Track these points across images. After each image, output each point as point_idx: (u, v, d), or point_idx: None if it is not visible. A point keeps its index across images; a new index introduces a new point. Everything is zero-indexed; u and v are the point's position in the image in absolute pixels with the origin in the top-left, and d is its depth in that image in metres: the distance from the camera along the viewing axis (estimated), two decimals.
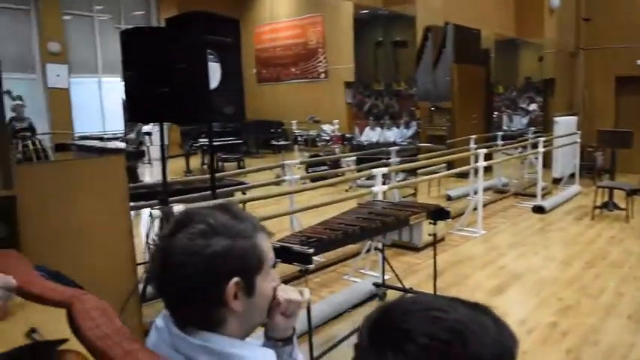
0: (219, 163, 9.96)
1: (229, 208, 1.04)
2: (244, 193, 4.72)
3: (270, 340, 1.17)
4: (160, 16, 11.67)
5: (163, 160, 3.72)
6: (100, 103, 10.15)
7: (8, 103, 3.55)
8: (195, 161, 10.58)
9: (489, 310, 0.73)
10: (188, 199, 4.09)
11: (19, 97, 6.45)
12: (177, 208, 3.02)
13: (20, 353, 0.92)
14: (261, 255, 1.03)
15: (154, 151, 8.24)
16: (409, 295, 1.12)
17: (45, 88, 9.39)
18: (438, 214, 3.72)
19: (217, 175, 4.45)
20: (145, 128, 8.08)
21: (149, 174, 8.32)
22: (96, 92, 10.28)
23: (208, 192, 3.84)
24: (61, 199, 2.98)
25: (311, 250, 2.59)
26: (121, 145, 3.82)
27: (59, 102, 9.44)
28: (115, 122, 9.45)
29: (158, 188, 4.23)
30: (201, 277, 0.95)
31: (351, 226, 3.06)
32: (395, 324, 0.69)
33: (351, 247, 4.54)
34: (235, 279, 0.98)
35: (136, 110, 3.39)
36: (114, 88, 10.55)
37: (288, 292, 1.14)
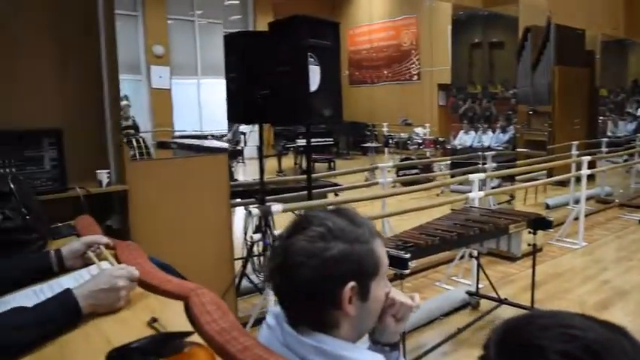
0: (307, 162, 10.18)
1: (347, 213, 1.05)
2: (337, 195, 4.76)
3: (377, 345, 1.18)
4: (256, 21, 12.01)
5: (261, 160, 3.83)
6: (198, 103, 10.55)
7: None
8: (286, 161, 10.80)
9: (626, 332, 0.70)
10: (284, 199, 4.19)
11: (126, 97, 6.88)
12: (276, 207, 3.09)
13: (151, 344, 0.98)
14: (377, 260, 1.04)
15: (248, 151, 8.51)
16: (535, 310, 1.08)
17: (149, 88, 9.93)
18: (538, 223, 3.57)
19: (312, 175, 4.53)
20: (242, 128, 8.36)
21: (242, 172, 8.60)
22: (195, 93, 10.71)
23: (303, 192, 3.91)
24: (167, 194, 3.16)
25: (408, 255, 2.57)
26: (224, 144, 3.96)
27: (161, 102, 9.93)
28: (212, 122, 9.82)
29: (254, 187, 4.37)
30: (318, 280, 0.98)
31: (448, 232, 3.01)
32: (527, 339, 0.67)
33: (444, 253, 4.45)
34: (351, 283, 0.99)
35: (236, 111, 3.52)
36: (212, 89, 10.95)
37: (400, 296, 1.15)
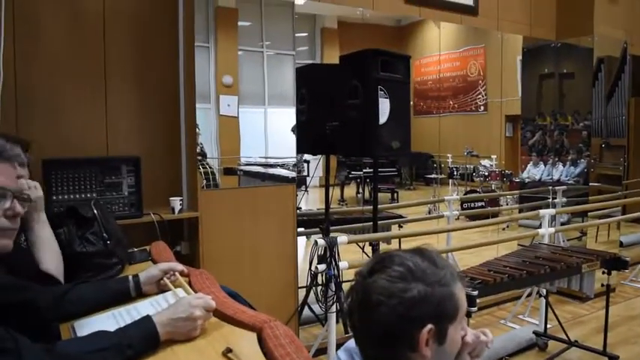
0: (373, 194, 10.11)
1: (429, 254, 1.05)
2: (401, 227, 4.72)
3: None
4: (323, 52, 12.23)
5: (327, 191, 3.87)
6: (264, 131, 10.79)
7: None
8: (348, 190, 10.79)
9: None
10: (348, 229, 4.20)
11: (197, 125, 7.14)
12: (342, 239, 3.10)
13: None
14: (457, 304, 1.03)
15: (311, 180, 8.60)
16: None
17: (217, 116, 10.26)
18: (613, 263, 3.42)
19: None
20: (306, 157, 8.46)
21: (305, 201, 8.67)
22: (261, 121, 10.96)
23: (367, 223, 3.90)
24: (235, 222, 3.23)
25: (475, 293, 2.52)
26: (292, 173, 4.02)
27: (229, 129, 10.22)
28: (278, 150, 10.02)
29: (318, 217, 4.40)
30: (396, 320, 0.98)
31: (517, 269, 2.92)
32: None
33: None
34: (429, 326, 0.99)
35: (305, 141, 3.58)
36: (278, 119, 11.17)
37: (474, 333, 1.13)
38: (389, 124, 3.10)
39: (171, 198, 3.03)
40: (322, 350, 3.50)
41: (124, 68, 3.10)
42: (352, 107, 3.11)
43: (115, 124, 3.08)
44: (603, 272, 3.41)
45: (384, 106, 3.06)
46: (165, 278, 1.71)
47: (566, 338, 3.78)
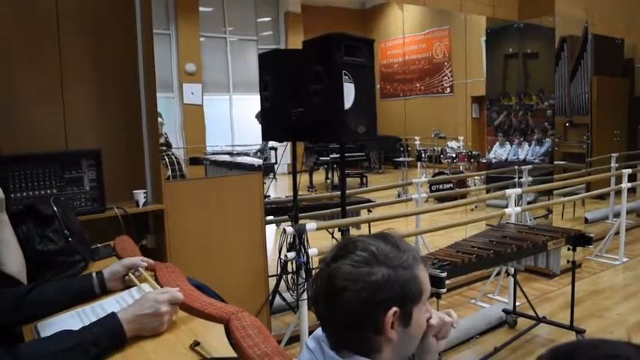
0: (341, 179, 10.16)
1: (391, 238, 1.07)
2: (370, 211, 4.76)
3: None
4: (287, 37, 12.15)
5: (294, 178, 3.86)
6: (230, 119, 10.76)
7: None
8: (317, 176, 10.82)
9: None
10: (317, 216, 4.21)
11: (160, 115, 7.06)
12: (310, 225, 3.11)
13: None
14: (421, 286, 1.05)
15: (279, 167, 8.59)
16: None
17: (181, 105, 10.16)
18: (578, 239, 3.52)
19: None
20: (272, 144, 8.44)
21: (274, 189, 8.66)
22: (226, 109, 10.92)
23: (337, 209, 3.92)
24: (202, 213, 3.21)
25: (444, 274, 2.56)
26: (258, 161, 4.01)
27: (193, 118, 10.14)
28: (244, 138, 10.00)
29: (287, 204, 4.40)
30: (361, 304, 0.99)
31: (484, 250, 2.98)
32: None
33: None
34: (394, 308, 1.01)
35: (271, 129, 3.57)
36: (244, 106, 11.15)
37: (439, 315, 1.15)
38: (354, 109, 3.11)
39: (134, 191, 3.00)
40: (295, 338, 3.53)
41: (81, 59, 3.04)
42: (317, 93, 3.11)
43: (73, 117, 3.02)
44: (569, 249, 3.50)
45: (349, 91, 3.07)
46: (130, 274, 1.70)
47: (535, 315, 3.88)
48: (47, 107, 2.95)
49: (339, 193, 3.91)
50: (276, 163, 9.77)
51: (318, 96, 3.12)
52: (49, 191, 2.69)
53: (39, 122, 2.90)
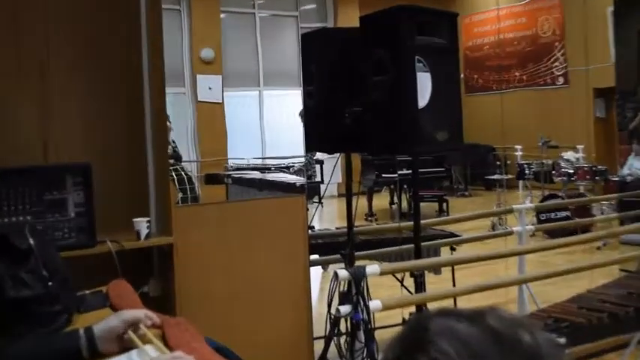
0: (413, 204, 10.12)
1: (496, 325, 0.83)
2: (454, 249, 4.70)
3: None
4: (337, 12, 12.28)
5: (349, 202, 3.86)
6: (259, 122, 10.79)
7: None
8: (379, 200, 10.84)
9: None
10: (380, 255, 4.19)
11: (167, 117, 7.18)
12: (371, 268, 3.09)
13: None
14: None
15: (327, 187, 8.64)
16: None
17: (194, 103, 10.28)
18: None
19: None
20: (318, 155, 8.49)
21: (318, 218, 8.68)
22: (255, 109, 10.98)
23: (408, 245, 3.89)
24: (224, 250, 3.24)
25: (563, 340, 2.51)
26: (300, 179, 4.05)
27: (211, 121, 10.23)
28: (279, 147, 10.02)
29: (338, 238, 4.40)
30: None
31: (620, 306, 2.91)
32: None
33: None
34: None
35: (316, 135, 3.59)
36: (278, 104, 11.20)
37: None
38: (432, 108, 3.08)
39: (134, 219, 3.05)
40: None
41: (68, 44, 3.14)
42: (380, 86, 3.10)
43: (55, 121, 3.10)
44: None
45: (425, 84, 3.05)
46: (129, 332, 1.71)
47: None
48: (21, 107, 3.04)
49: (410, 223, 3.87)
50: (322, 182, 9.82)
51: (382, 90, 3.12)
52: (22, 218, 2.76)
53: (10, 127, 2.99)
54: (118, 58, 3.28)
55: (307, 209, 3.66)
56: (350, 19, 10.73)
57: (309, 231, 4.01)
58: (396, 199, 10.70)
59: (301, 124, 5.01)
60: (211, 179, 6.82)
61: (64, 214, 2.87)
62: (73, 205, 2.89)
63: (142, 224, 3.06)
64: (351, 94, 3.36)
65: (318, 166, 9.48)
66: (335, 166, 4.13)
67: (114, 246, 2.91)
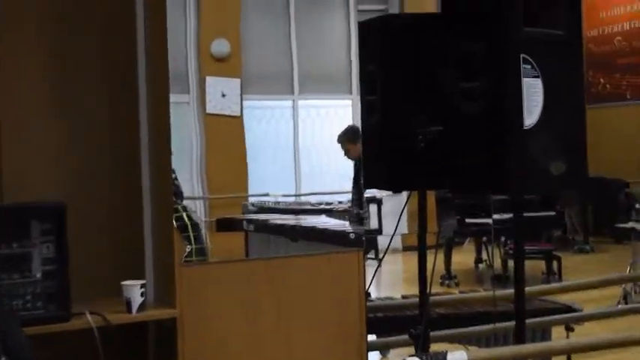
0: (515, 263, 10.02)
1: None
2: (571, 329, 4.67)
3: None
4: None
5: (422, 259, 3.87)
6: (293, 144, 10.51)
7: None
8: (461, 256, 10.77)
9: None
10: (464, 336, 4.19)
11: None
12: (456, 356, 3.10)
13: None
14: None
15: (386, 238, 8.54)
16: None
17: (200, 115, 10.13)
18: None
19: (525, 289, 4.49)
20: (371, 191, 8.44)
21: (376, 282, 8.61)
22: (287, 125, 10.76)
23: (505, 324, 3.89)
24: (245, 327, 3.26)
25: None
26: (355, 229, 4.06)
27: (224, 142, 10.04)
28: (319, 179, 9.88)
29: (403, 312, 4.41)
30: None
31: None
32: None
33: None
34: None
35: (379, 165, 3.61)
36: (319, 119, 10.99)
37: None
38: (543, 128, 3.10)
39: (124, 282, 3.08)
40: None
41: (34, 36, 3.21)
42: (469, 95, 3.12)
43: (14, 145, 3.16)
44: None
45: (534, 93, 3.06)
46: None
47: None
48: None
49: (507, 291, 3.87)
50: (379, 230, 9.80)
51: (472, 102, 3.14)
52: None
53: None
54: (104, 56, 3.34)
55: (364, 269, 3.67)
56: (423, 3, 10.68)
57: (368, 302, 4.03)
58: (485, 255, 10.63)
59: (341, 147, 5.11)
60: (225, 225, 6.76)
61: (27, 274, 2.90)
62: (40, 261, 2.92)
63: (134, 290, 3.08)
64: (427, 108, 3.39)
65: (374, 207, 9.46)
66: (403, 209, 4.11)
67: (95, 320, 2.93)
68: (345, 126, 7.53)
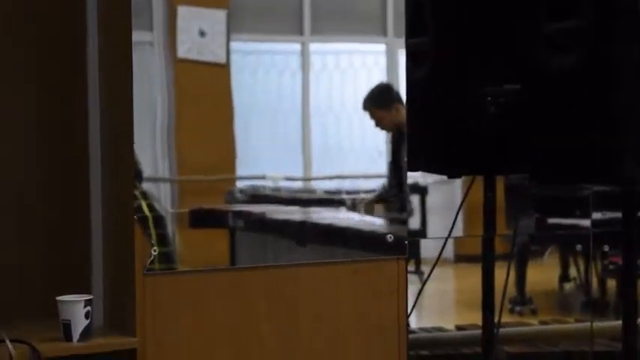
0: (606, 279, 10.01)
1: None
2: None
3: None
4: None
5: (488, 274, 3.91)
6: (301, 106, 10.41)
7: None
8: (539, 273, 10.78)
9: None
10: None
11: None
12: None
13: None
14: None
15: (432, 242, 8.53)
16: None
17: (169, 62, 10.06)
18: None
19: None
20: (412, 176, 8.44)
21: (418, 306, 8.63)
22: (294, 79, 10.64)
23: None
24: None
25: None
26: (399, 230, 4.06)
27: (203, 100, 10.02)
28: (338, 156, 9.82)
29: (462, 349, 4.45)
30: None
31: None
32: None
33: None
34: None
35: (429, 141, 3.63)
36: (338, 70, 10.90)
37: None
38: None
39: (61, 298, 3.11)
40: None
41: None
42: (560, 41, 3.16)
43: None
44: None
45: None
46: None
47: None
48: None
49: (610, 324, 3.90)
50: (422, 231, 9.80)
51: (564, 49, 3.17)
52: None
53: None
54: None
55: (406, 288, 3.70)
56: None
57: (411, 335, 4.07)
58: (574, 272, 10.64)
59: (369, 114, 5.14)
60: (202, 219, 6.72)
61: None
62: None
63: (75, 308, 3.11)
64: (499, 58, 3.41)
65: (414, 199, 9.44)
66: (463, 202, 4.12)
67: (20, 351, 2.98)
68: (376, 84, 7.45)
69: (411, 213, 8.87)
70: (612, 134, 3.05)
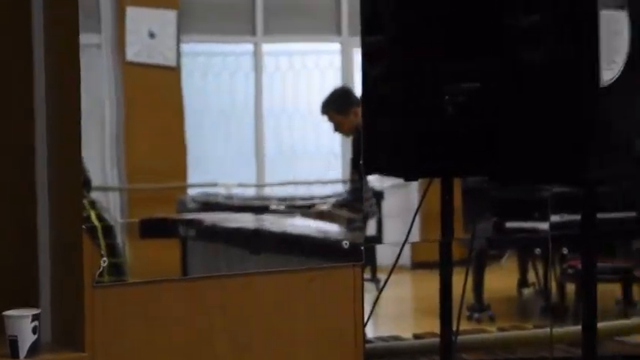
0: (565, 284, 10.05)
1: None
2: None
3: None
4: None
5: (446, 281, 3.89)
6: (254, 109, 10.44)
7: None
8: (498, 278, 10.81)
9: None
10: None
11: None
12: None
13: None
14: None
15: (389, 249, 8.51)
16: None
17: (117, 65, 10.04)
18: None
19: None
20: (370, 180, 8.44)
21: (375, 314, 8.61)
22: (246, 81, 10.66)
23: None
24: None
25: None
26: (355, 237, 4.04)
27: (152, 102, 9.99)
28: (292, 160, 9.85)
29: (419, 358, 4.44)
30: None
31: None
32: None
33: None
34: None
35: (386, 142, 3.61)
36: (292, 72, 10.93)
37: None
38: (627, 88, 3.11)
39: (7, 313, 3.07)
40: None
41: None
42: (520, 40, 3.14)
43: None
44: None
45: (616, 38, 3.08)
46: None
47: None
48: None
49: (571, 328, 3.91)
50: (377, 237, 9.81)
51: (524, 49, 3.16)
52: None
53: None
54: None
55: (362, 298, 3.68)
56: None
57: (368, 344, 4.05)
58: (532, 277, 10.66)
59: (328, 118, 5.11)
60: (153, 228, 6.71)
61: None
62: None
63: (21, 323, 3.08)
64: (457, 55, 3.40)
65: (373, 202, 9.45)
66: (419, 206, 4.11)
67: None
68: (332, 85, 7.45)
69: (374, 214, 8.86)
70: (576, 135, 3.04)
